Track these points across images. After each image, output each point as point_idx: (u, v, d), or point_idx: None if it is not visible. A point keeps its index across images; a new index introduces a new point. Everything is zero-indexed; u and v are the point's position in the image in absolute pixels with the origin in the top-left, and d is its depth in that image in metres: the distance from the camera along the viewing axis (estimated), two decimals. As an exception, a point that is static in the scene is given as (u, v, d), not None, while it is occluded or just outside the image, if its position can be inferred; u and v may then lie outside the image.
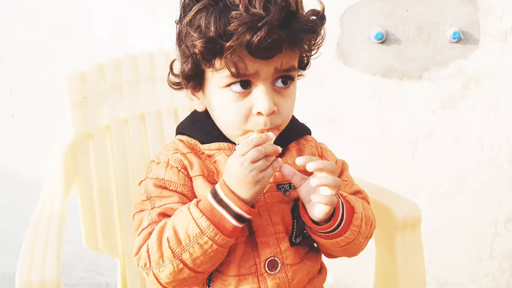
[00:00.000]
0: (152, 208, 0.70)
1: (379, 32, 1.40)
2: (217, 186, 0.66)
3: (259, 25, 0.63)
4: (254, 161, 0.63)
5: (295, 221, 0.73)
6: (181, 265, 0.65)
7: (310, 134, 0.81)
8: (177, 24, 0.72)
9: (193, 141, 0.76)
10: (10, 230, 1.64)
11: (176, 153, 0.73)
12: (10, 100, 1.51)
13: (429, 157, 1.49)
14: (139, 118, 1.01)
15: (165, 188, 0.71)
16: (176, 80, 0.77)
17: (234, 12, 0.63)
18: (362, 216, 0.71)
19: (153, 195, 0.71)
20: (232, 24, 0.63)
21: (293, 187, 0.72)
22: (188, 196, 0.71)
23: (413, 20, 1.40)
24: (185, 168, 0.71)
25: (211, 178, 0.72)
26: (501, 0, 1.37)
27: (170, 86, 0.78)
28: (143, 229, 0.69)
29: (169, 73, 0.78)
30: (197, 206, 0.65)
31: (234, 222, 0.64)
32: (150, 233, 0.67)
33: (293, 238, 0.73)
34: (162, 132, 1.02)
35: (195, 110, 0.78)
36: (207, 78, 0.71)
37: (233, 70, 0.66)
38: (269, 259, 0.70)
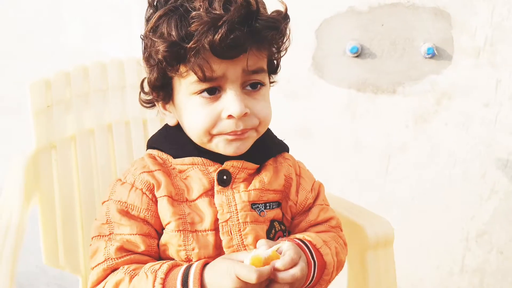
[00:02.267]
0: (110, 234, 0.67)
1: (354, 46, 1.40)
2: (190, 278, 0.62)
3: (220, 23, 0.61)
4: None
5: None
6: None
7: (288, 151, 0.79)
8: (142, 38, 0.70)
9: (165, 156, 0.73)
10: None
11: (143, 172, 0.70)
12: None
13: (402, 171, 1.49)
14: (106, 129, 0.97)
15: (127, 213, 0.68)
16: (147, 97, 0.75)
17: (194, 12, 0.62)
18: (334, 266, 0.70)
19: (113, 221, 0.68)
20: (193, 25, 0.62)
21: (268, 207, 0.71)
22: (151, 222, 0.68)
23: (388, 34, 1.40)
24: (151, 190, 0.69)
25: (180, 196, 0.69)
26: (475, 18, 1.39)
27: (142, 104, 0.76)
28: (98, 264, 0.67)
29: (140, 92, 0.76)
30: (162, 286, 0.62)
31: None
32: (106, 275, 0.66)
33: None
34: (130, 144, 0.98)
35: (166, 123, 0.76)
36: (175, 87, 0.69)
37: (199, 73, 0.64)
38: None
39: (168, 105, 0.73)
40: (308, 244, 0.69)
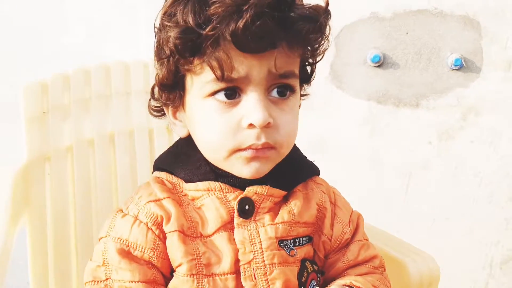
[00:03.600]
0: (106, 280, 0.56)
1: (376, 55, 1.31)
2: None
3: (245, 7, 0.51)
4: None
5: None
6: None
7: (318, 174, 0.68)
8: (156, 33, 0.59)
9: (175, 180, 0.62)
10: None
11: (149, 202, 0.58)
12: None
13: (423, 190, 1.40)
14: (108, 139, 0.87)
15: (128, 253, 0.57)
16: (157, 104, 0.64)
17: None
18: None
19: (111, 263, 0.57)
20: (212, 8, 0.52)
21: (298, 244, 0.59)
22: (157, 264, 0.57)
23: (413, 43, 1.32)
24: (158, 225, 0.57)
25: (193, 230, 0.58)
26: (506, 28, 1.31)
27: (150, 112, 0.66)
28: None
29: (150, 100, 0.65)
30: None
31: None
32: None
33: None
34: (134, 157, 0.88)
35: (179, 140, 0.65)
36: (187, 88, 0.58)
37: (216, 69, 0.53)
38: None
39: (178, 112, 0.62)
40: None
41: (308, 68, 0.63)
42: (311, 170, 0.67)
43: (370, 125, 1.37)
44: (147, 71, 0.92)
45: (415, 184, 1.40)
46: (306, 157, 0.67)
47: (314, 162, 0.68)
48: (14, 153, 0.84)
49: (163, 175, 0.63)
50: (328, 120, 1.37)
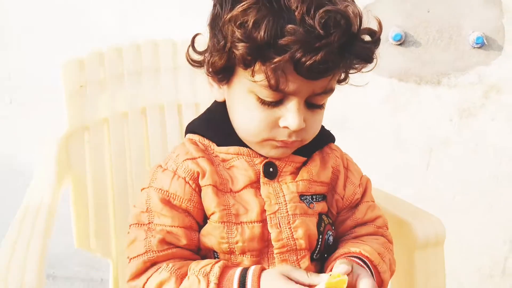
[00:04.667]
0: (149, 223, 0.64)
1: (397, 33, 1.33)
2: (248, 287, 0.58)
3: (316, 45, 0.55)
4: None
5: (320, 236, 0.66)
6: None
7: (334, 141, 0.74)
8: (215, 4, 0.63)
9: (207, 142, 0.69)
10: None
11: (186, 160, 0.66)
12: (9, 86, 1.46)
13: (444, 167, 1.42)
14: (140, 112, 0.94)
15: (169, 202, 0.64)
16: (198, 57, 0.69)
17: (290, 26, 0.55)
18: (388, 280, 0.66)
19: (154, 209, 0.64)
20: (285, 39, 0.55)
21: (315, 200, 0.67)
22: (192, 213, 0.65)
23: (434, 22, 1.33)
24: (195, 179, 0.65)
25: (224, 186, 0.66)
26: (529, 5, 1.30)
27: (189, 62, 0.69)
28: (138, 255, 0.63)
29: (189, 47, 0.69)
30: None
31: None
32: (147, 268, 0.63)
33: (314, 254, 0.67)
34: (164, 129, 0.95)
35: (211, 107, 0.71)
36: (236, 73, 0.63)
37: (271, 81, 0.58)
38: None
39: (221, 84, 0.67)
40: (367, 262, 0.65)
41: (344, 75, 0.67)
42: (327, 138, 0.73)
43: (391, 103, 1.39)
44: (175, 49, 0.98)
45: (435, 160, 1.41)
46: (323, 126, 0.73)
47: (330, 131, 0.74)
48: (57, 122, 0.92)
49: (195, 137, 0.70)
50: (350, 97, 1.39)
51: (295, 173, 0.68)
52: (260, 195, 0.65)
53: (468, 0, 1.31)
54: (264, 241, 0.64)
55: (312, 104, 0.63)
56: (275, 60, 0.56)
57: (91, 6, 1.37)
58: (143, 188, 0.67)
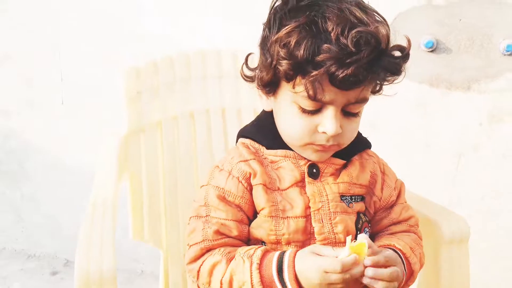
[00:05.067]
0: (206, 216, 0.74)
1: (429, 41, 1.37)
2: (285, 266, 0.67)
3: (348, 61, 0.64)
4: (333, 284, 0.64)
5: (358, 233, 0.75)
6: None
7: (370, 148, 0.82)
8: (264, 28, 0.73)
9: (257, 146, 0.78)
10: (50, 214, 1.70)
11: (240, 162, 0.75)
12: (61, 87, 1.57)
13: (473, 171, 1.45)
14: (189, 116, 1.03)
15: (224, 198, 0.74)
16: (249, 73, 0.79)
17: (325, 45, 0.64)
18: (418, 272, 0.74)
19: (211, 204, 0.74)
20: (321, 56, 0.64)
21: (355, 200, 0.75)
22: (244, 208, 0.74)
23: (466, 30, 1.36)
24: (247, 179, 0.74)
25: (272, 185, 0.75)
26: (560, 14, 1.33)
27: (243, 77, 0.80)
28: (196, 243, 0.73)
29: (242, 65, 0.80)
30: (259, 271, 0.67)
31: None
32: (203, 253, 0.72)
33: None
34: (210, 132, 1.04)
35: (260, 115, 0.81)
36: (281, 86, 0.73)
37: (310, 92, 0.67)
38: None
39: (268, 95, 0.77)
40: (399, 253, 0.73)
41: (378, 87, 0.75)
42: (365, 144, 0.81)
43: (421, 107, 1.43)
44: (219, 58, 1.07)
45: (465, 165, 1.45)
46: (361, 133, 0.81)
47: (367, 138, 0.82)
48: (114, 124, 1.01)
49: (247, 141, 0.79)
50: (381, 102, 1.43)
51: (335, 174, 0.76)
52: (305, 193, 0.74)
53: (500, 9, 1.34)
54: (307, 233, 0.73)
55: (348, 112, 0.71)
56: (313, 74, 0.65)
57: (145, 15, 1.46)
58: (202, 186, 0.77)
